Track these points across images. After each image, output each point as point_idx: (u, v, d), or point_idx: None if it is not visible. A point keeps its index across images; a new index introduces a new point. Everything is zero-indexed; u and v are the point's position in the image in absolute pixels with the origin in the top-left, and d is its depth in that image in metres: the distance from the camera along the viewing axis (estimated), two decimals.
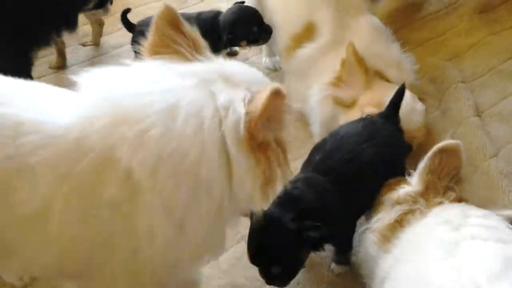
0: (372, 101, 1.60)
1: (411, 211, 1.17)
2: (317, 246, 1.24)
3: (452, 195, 1.19)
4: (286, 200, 1.22)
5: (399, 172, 1.36)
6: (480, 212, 1.12)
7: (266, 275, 1.26)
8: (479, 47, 2.21)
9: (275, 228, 1.21)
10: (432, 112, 1.91)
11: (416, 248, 1.10)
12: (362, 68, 1.63)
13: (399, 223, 1.17)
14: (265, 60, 2.19)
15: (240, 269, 1.44)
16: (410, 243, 1.13)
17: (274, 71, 2.15)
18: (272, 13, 1.95)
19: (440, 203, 1.16)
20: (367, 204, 1.36)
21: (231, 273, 1.43)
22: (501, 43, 2.22)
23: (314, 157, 1.39)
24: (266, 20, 1.94)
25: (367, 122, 1.46)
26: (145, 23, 1.86)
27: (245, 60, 2.19)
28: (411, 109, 1.61)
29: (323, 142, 1.43)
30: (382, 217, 1.23)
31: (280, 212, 1.21)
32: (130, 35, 2.08)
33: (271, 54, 2.15)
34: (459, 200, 1.20)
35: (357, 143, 1.37)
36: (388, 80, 1.71)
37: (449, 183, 1.20)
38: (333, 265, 1.48)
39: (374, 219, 1.27)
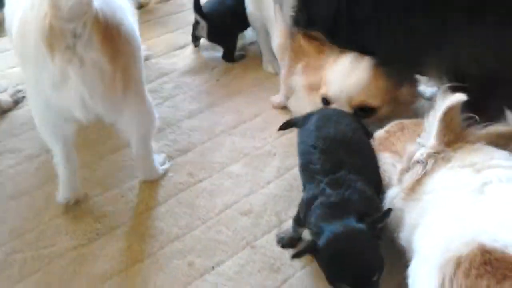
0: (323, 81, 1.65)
1: (435, 162, 1.16)
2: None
3: (469, 137, 1.18)
4: (338, 208, 1.20)
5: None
6: (503, 153, 1.13)
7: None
8: None
9: (360, 238, 1.15)
10: None
11: (445, 192, 1.10)
12: (313, 48, 1.66)
13: (425, 175, 1.17)
14: (265, 66, 2.17)
15: (245, 276, 1.40)
16: (438, 188, 1.13)
17: (275, 76, 2.11)
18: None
19: (460, 147, 1.15)
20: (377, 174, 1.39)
21: (236, 280, 1.39)
22: None
23: (314, 157, 1.36)
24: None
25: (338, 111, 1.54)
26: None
27: None
28: (352, 68, 1.60)
29: (314, 141, 1.40)
30: (409, 177, 1.20)
31: (350, 221, 1.16)
32: None
33: (272, 59, 2.13)
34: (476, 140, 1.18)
35: (344, 131, 1.41)
36: None
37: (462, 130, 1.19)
38: None
39: (403, 180, 1.23)
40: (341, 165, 1.30)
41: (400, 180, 1.24)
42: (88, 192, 1.66)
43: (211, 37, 2.18)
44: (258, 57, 2.21)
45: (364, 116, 1.61)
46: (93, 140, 1.85)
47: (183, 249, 1.48)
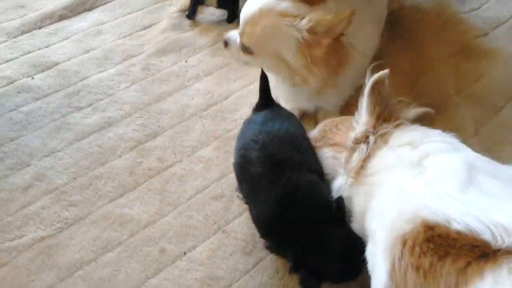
0: None
1: (375, 142, 1.18)
2: None
3: (405, 114, 1.22)
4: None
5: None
6: (436, 131, 1.17)
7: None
8: None
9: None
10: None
11: (386, 172, 1.12)
12: None
13: (367, 156, 1.19)
14: None
15: (217, 260, 1.41)
16: (380, 169, 1.15)
17: None
18: None
19: (398, 124, 1.19)
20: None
21: (208, 265, 1.39)
22: None
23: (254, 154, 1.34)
24: None
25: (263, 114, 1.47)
26: None
27: None
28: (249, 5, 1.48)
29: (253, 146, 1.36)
30: (354, 159, 1.22)
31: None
32: None
33: None
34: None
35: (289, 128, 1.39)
36: None
37: (395, 106, 1.23)
38: None
39: (349, 166, 1.25)
40: (281, 164, 1.28)
41: (346, 168, 1.24)
42: (54, 181, 1.62)
43: (221, 3, 2.20)
44: None
45: (246, 52, 1.54)
46: (57, 127, 1.80)
47: (154, 236, 1.47)
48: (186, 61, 2.08)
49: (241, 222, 1.49)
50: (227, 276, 1.37)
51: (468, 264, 0.83)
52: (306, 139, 1.43)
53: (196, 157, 1.70)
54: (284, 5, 1.41)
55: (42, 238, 1.47)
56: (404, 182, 1.04)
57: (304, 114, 1.78)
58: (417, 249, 0.89)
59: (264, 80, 1.50)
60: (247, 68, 1.94)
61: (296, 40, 1.37)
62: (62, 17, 2.29)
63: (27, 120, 1.82)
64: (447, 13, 2.24)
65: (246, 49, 1.54)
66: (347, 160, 1.23)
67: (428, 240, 0.89)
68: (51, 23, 2.26)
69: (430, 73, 1.94)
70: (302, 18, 1.36)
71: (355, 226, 1.20)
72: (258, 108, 1.51)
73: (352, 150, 1.22)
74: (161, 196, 1.58)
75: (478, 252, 0.83)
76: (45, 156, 1.70)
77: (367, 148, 1.17)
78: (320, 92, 1.61)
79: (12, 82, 1.97)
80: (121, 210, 1.54)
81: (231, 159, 1.63)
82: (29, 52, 2.11)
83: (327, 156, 1.34)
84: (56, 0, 2.36)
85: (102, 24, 2.26)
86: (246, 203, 1.39)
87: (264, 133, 1.36)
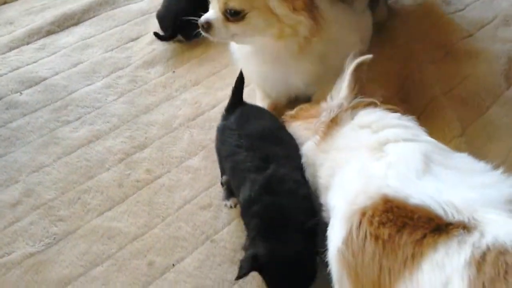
0: None
1: (342, 111, 1.27)
2: None
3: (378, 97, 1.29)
4: (276, 223, 1.24)
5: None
6: (395, 114, 1.24)
7: None
8: None
9: (301, 257, 1.22)
10: None
11: (348, 152, 1.18)
12: None
13: (334, 122, 1.26)
14: None
15: (205, 271, 1.40)
16: (343, 147, 1.22)
17: (232, 65, 2.08)
18: None
19: (369, 104, 1.27)
20: None
21: (196, 276, 1.39)
22: None
23: (241, 157, 1.39)
24: None
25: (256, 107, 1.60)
26: None
27: None
28: None
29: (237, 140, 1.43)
30: (323, 117, 1.30)
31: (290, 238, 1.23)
32: None
33: None
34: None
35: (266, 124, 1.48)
36: None
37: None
38: None
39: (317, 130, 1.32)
40: (269, 159, 1.33)
41: (315, 128, 1.32)
42: (42, 196, 1.62)
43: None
44: (214, 47, 2.17)
45: (234, 20, 1.53)
46: (45, 142, 1.80)
47: (143, 248, 1.47)
48: (174, 71, 2.09)
49: (230, 231, 1.49)
50: (215, 286, 1.37)
51: (424, 236, 0.88)
52: (283, 129, 1.50)
53: (184, 167, 1.70)
54: None
55: (31, 254, 1.47)
56: (365, 163, 1.10)
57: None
58: (376, 218, 0.94)
59: (240, 80, 1.55)
60: (234, 77, 1.95)
61: None
62: (49, 32, 2.30)
63: (15, 136, 1.83)
64: (433, 14, 2.26)
65: (233, 14, 1.53)
66: (318, 123, 1.31)
67: (387, 210, 0.94)
68: (39, 39, 2.28)
69: (417, 74, 1.95)
70: None
71: (322, 200, 1.25)
72: (229, 110, 1.55)
73: (323, 116, 1.30)
74: (150, 208, 1.58)
75: (433, 224, 0.89)
76: (34, 171, 1.70)
77: (337, 110, 1.25)
78: (305, 50, 1.63)
79: (0, 99, 1.98)
80: (110, 224, 1.54)
81: (219, 168, 1.64)
82: (17, 68, 2.13)
83: (299, 127, 1.42)
84: (44, 16, 2.38)
85: (89, 38, 2.27)
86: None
87: (244, 136, 1.41)
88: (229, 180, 1.48)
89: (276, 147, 1.38)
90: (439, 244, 0.86)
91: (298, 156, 1.39)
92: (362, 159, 1.12)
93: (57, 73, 2.09)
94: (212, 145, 1.76)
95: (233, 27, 1.55)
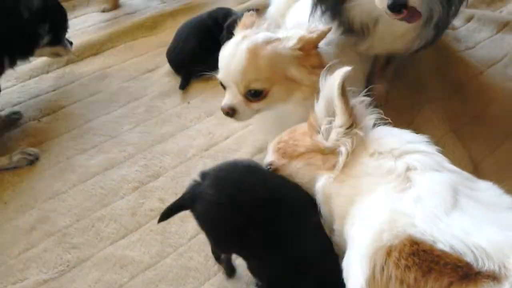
0: None
1: (353, 142, 1.17)
2: None
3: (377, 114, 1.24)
4: None
5: None
6: (418, 137, 1.19)
7: None
8: None
9: None
10: None
11: (370, 179, 1.12)
12: None
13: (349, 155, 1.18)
14: None
15: None
16: (362, 174, 1.14)
17: None
18: None
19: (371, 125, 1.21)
20: None
21: None
22: None
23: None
24: None
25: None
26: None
27: None
28: (233, 52, 1.49)
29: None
30: (338, 159, 1.19)
31: None
32: None
33: None
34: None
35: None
36: None
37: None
38: None
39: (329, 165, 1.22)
40: (281, 231, 1.21)
41: (325, 168, 1.21)
42: (57, 223, 1.64)
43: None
44: None
45: (256, 100, 1.52)
46: (62, 169, 1.84)
47: (155, 278, 1.48)
48: (189, 102, 2.13)
49: (241, 263, 1.49)
50: None
51: (451, 283, 0.86)
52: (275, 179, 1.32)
53: None
54: (261, 36, 1.53)
55: (44, 281, 1.49)
56: (390, 194, 1.05)
57: None
58: (402, 261, 0.92)
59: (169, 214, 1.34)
60: None
61: (293, 56, 1.49)
62: (69, 62, 2.37)
63: (32, 164, 1.86)
64: (445, 51, 2.30)
65: (255, 95, 1.52)
66: (325, 161, 1.22)
67: (413, 253, 0.92)
68: (59, 68, 2.35)
69: (428, 110, 1.98)
70: (284, 40, 1.51)
71: (336, 226, 1.19)
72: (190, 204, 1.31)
73: (330, 150, 1.21)
74: (162, 237, 1.59)
75: (461, 272, 0.86)
76: (49, 198, 1.73)
77: (353, 143, 1.17)
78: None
79: (19, 126, 2.03)
80: (123, 252, 1.55)
81: None
82: (36, 96, 2.19)
83: (300, 166, 1.29)
84: None
85: (107, 68, 2.34)
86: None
87: (240, 209, 1.23)
88: (229, 256, 1.42)
89: (281, 206, 1.24)
90: None
91: (306, 203, 1.27)
92: (386, 189, 1.07)
93: (75, 102, 2.15)
94: None
95: (256, 105, 1.54)
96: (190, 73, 2.22)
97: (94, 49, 2.44)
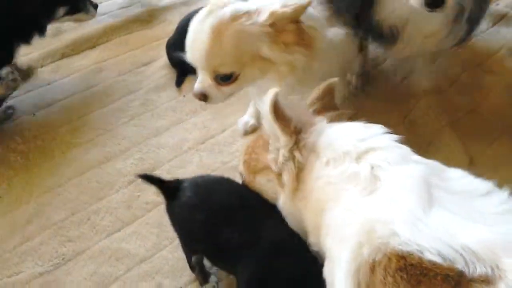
0: None
1: (300, 156, 1.11)
2: None
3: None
4: None
5: None
6: (369, 130, 1.10)
7: None
8: None
9: None
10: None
11: (333, 186, 1.05)
12: None
13: (299, 169, 1.12)
14: None
15: None
16: (322, 184, 1.07)
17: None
18: None
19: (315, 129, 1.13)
20: None
21: None
22: None
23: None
24: None
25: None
26: None
27: None
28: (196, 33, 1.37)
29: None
30: (286, 180, 1.15)
31: None
32: None
33: None
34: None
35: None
36: None
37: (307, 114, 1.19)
38: None
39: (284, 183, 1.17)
40: (256, 229, 1.21)
41: (282, 185, 1.17)
42: (52, 217, 1.64)
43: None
44: None
45: (226, 83, 1.42)
46: (56, 163, 1.83)
47: (151, 270, 1.48)
48: (184, 96, 2.13)
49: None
50: None
51: None
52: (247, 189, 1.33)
53: None
54: (228, 10, 1.36)
55: (40, 274, 1.48)
56: (360, 199, 0.98)
57: None
58: (389, 279, 0.86)
59: (150, 179, 1.37)
60: (242, 103, 1.99)
61: (264, 34, 1.34)
62: (64, 55, 2.36)
63: (27, 158, 1.86)
64: None
65: (225, 78, 1.42)
66: (279, 180, 1.17)
67: (400, 269, 0.86)
68: (54, 61, 2.34)
69: (424, 104, 1.98)
70: (254, 13, 1.34)
71: (311, 240, 1.14)
72: (169, 196, 1.35)
73: (280, 171, 1.16)
74: (158, 230, 1.59)
75: (453, 282, 0.81)
76: (45, 192, 1.73)
77: (295, 166, 1.11)
78: (309, 73, 1.49)
79: (14, 120, 2.02)
80: (118, 245, 1.55)
81: None
82: (31, 90, 2.18)
83: (262, 182, 1.26)
84: (60, 39, 2.45)
85: (103, 61, 2.33)
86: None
87: (216, 211, 1.26)
88: (200, 261, 1.40)
89: (254, 211, 1.26)
90: None
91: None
92: (353, 193, 0.99)
93: (70, 96, 2.14)
94: (222, 168, 1.79)
95: (228, 89, 1.44)
96: (186, 69, 2.20)
97: (89, 42, 2.43)
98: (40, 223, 1.63)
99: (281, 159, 1.14)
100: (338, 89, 1.39)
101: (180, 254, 1.51)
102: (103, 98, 2.12)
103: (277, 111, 1.11)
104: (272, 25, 1.33)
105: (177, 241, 1.54)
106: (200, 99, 1.47)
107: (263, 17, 1.32)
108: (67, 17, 2.10)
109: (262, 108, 1.14)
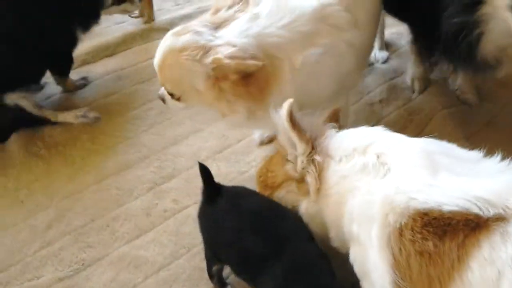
0: None
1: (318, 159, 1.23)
2: None
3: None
4: None
5: None
6: (369, 129, 1.26)
7: None
8: None
9: None
10: None
11: (348, 180, 1.16)
12: None
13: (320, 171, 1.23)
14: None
15: None
16: (339, 180, 1.18)
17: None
18: None
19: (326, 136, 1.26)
20: None
21: None
22: None
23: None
24: None
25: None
26: None
27: None
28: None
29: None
30: (310, 182, 1.24)
31: None
32: None
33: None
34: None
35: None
36: None
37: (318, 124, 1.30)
38: None
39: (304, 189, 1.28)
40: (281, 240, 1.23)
41: (303, 193, 1.27)
42: (72, 222, 1.67)
43: None
44: None
45: (175, 98, 1.49)
46: (77, 169, 1.86)
47: (168, 278, 1.50)
48: None
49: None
50: None
51: (465, 236, 0.92)
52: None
53: None
54: (184, 39, 1.38)
55: (60, 279, 1.51)
56: (375, 183, 1.09)
57: None
58: (418, 236, 0.96)
59: (204, 171, 1.38)
60: None
61: (202, 73, 1.36)
62: (84, 62, 2.40)
63: (48, 163, 1.89)
64: None
65: (173, 96, 1.49)
66: (300, 187, 1.28)
67: (425, 225, 0.96)
68: (73, 69, 2.36)
69: (441, 117, 1.99)
70: (208, 50, 1.35)
71: (331, 234, 1.23)
72: (209, 198, 1.38)
73: (302, 176, 1.26)
74: (176, 238, 1.61)
75: (472, 224, 0.93)
76: (65, 197, 1.76)
77: (316, 167, 1.22)
78: (253, 118, 1.49)
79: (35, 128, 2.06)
80: (137, 252, 1.57)
81: None
82: (50, 97, 2.22)
83: (282, 195, 1.35)
84: (80, 46, 2.48)
85: (122, 69, 2.37)
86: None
87: (245, 217, 1.30)
88: (220, 270, 1.41)
89: (281, 222, 1.28)
90: (481, 240, 0.90)
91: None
92: (368, 181, 1.11)
93: (90, 103, 2.17)
94: (238, 178, 1.81)
95: (179, 103, 1.51)
96: None
97: (108, 50, 2.47)
98: (60, 229, 1.66)
99: (299, 165, 1.26)
100: (344, 114, 1.53)
101: (197, 263, 1.53)
102: (122, 106, 2.15)
103: (293, 121, 1.23)
104: (214, 69, 1.34)
105: (194, 250, 1.57)
106: (161, 99, 1.59)
107: (208, 59, 1.33)
108: (114, 7, 2.21)
109: (278, 120, 1.25)
